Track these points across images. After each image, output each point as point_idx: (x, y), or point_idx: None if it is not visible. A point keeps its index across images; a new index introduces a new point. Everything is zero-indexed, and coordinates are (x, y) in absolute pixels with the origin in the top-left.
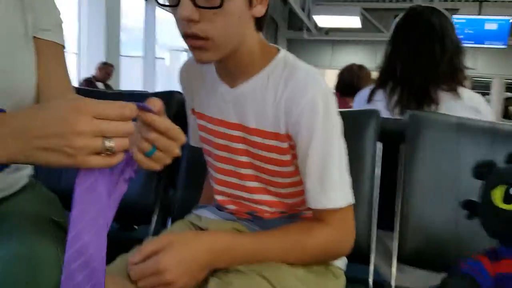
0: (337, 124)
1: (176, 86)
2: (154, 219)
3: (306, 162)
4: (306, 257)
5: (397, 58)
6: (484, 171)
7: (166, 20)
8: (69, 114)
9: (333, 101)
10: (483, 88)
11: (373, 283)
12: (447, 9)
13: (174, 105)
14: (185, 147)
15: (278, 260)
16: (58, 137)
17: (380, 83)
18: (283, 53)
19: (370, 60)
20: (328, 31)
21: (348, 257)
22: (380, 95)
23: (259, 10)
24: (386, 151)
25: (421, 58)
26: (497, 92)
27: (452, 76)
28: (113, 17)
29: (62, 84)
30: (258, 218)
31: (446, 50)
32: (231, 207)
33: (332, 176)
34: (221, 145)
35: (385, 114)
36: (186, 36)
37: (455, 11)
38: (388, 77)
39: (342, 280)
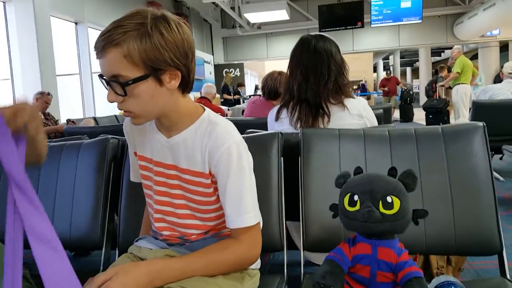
0: (247, 164)
1: None
2: (103, 249)
3: (225, 194)
4: (224, 269)
5: (294, 81)
6: (341, 182)
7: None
8: None
9: (244, 147)
10: (412, 56)
11: (287, 264)
12: None
13: (110, 150)
14: (124, 183)
15: (202, 274)
16: None
17: (284, 103)
18: (207, 112)
19: None
20: (260, 25)
21: (266, 249)
22: (284, 113)
23: (173, 84)
24: (291, 161)
25: (312, 79)
26: (424, 58)
27: (338, 91)
28: (44, 38)
29: None
30: (187, 241)
31: (331, 70)
32: (166, 232)
33: (245, 202)
34: (160, 182)
35: (289, 129)
36: None
37: None
38: (289, 97)
39: (257, 277)
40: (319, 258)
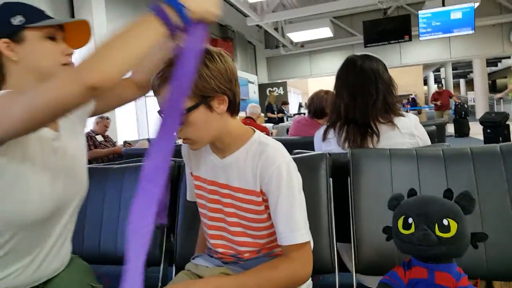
0: (297, 182)
1: None
2: (161, 266)
3: (276, 212)
4: (277, 287)
5: (341, 102)
6: (394, 204)
7: None
8: None
9: (293, 166)
10: (465, 67)
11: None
12: (412, 4)
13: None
14: (180, 203)
15: None
16: None
17: (331, 123)
18: (257, 134)
19: None
20: (303, 44)
21: (317, 270)
22: (331, 134)
23: (222, 108)
24: (340, 182)
25: (359, 99)
26: (479, 70)
27: (387, 110)
28: None
29: None
30: (241, 260)
31: (379, 89)
32: (220, 250)
33: (297, 219)
34: (213, 200)
35: (337, 149)
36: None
37: (420, 5)
38: (336, 118)
39: None
40: (371, 280)
